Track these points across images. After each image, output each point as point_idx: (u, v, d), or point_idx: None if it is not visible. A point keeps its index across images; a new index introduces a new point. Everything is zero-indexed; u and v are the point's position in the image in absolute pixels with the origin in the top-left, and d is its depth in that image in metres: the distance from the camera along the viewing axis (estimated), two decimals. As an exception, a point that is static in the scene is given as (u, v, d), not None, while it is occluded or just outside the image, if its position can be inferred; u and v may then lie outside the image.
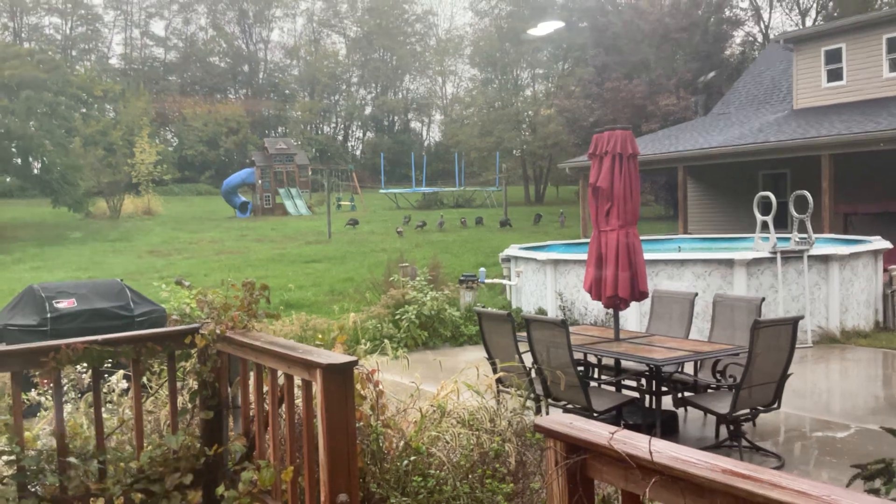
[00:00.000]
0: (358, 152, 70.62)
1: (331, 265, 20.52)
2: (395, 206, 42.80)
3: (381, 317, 11.27)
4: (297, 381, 3.51)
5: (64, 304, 7.62)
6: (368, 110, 72.06)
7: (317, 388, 3.09)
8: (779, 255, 10.73)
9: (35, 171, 34.48)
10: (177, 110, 63.17)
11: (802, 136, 17.16)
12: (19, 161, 37.18)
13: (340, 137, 71.84)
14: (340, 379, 3.03)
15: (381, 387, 3.47)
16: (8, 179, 39.11)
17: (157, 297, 9.82)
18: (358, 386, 3.36)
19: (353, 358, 3.02)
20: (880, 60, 18.65)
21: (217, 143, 61.36)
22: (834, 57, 19.63)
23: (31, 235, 29.90)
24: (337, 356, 3.08)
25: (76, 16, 68.22)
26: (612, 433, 1.97)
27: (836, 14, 40.08)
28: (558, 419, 2.12)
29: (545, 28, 36.57)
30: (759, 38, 44.63)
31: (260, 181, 40.76)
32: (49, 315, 7.53)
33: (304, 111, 67.71)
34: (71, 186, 32.95)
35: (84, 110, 42.37)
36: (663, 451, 1.81)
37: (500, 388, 6.08)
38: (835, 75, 19.69)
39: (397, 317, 11.25)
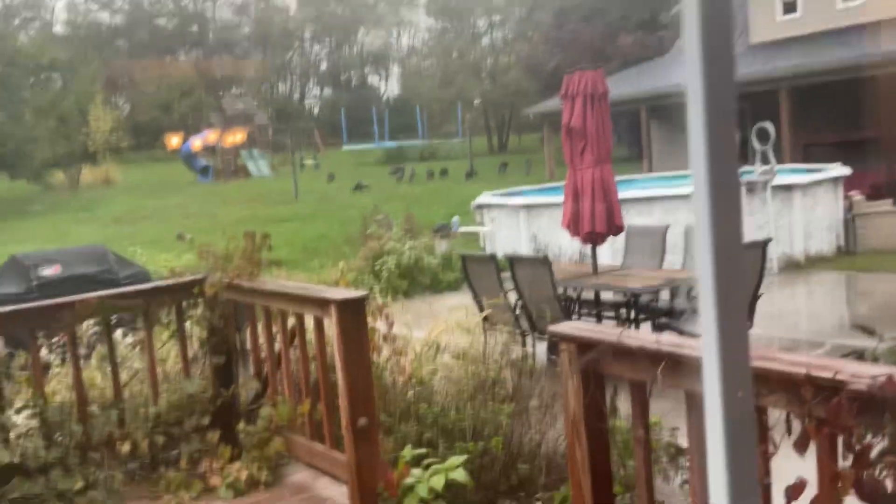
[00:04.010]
0: (316, 110, 69.78)
1: (302, 224, 20.55)
2: (359, 162, 42.62)
3: (361, 269, 11.44)
4: (307, 320, 3.71)
5: (49, 272, 7.66)
6: (324, 66, 71.07)
7: (331, 323, 3.29)
8: (743, 186, 11.06)
9: (-12, 146, 33.64)
10: (127, 75, 61.63)
11: (760, 69, 17.45)
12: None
13: (297, 95, 70.87)
14: (354, 312, 3.23)
15: (391, 319, 3.69)
16: (-40, 156, 38.07)
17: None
18: (369, 319, 3.56)
19: (365, 293, 3.22)
20: (833, -9, 18.89)
21: (171, 108, 60.11)
22: (788, -11, 19.88)
23: (-10, 211, 29.33)
24: (350, 292, 3.28)
25: (15, -18, 65.79)
26: (621, 332, 2.20)
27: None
28: (571, 325, 2.35)
29: None
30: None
31: (220, 143, 40.18)
32: (35, 283, 7.57)
33: (257, 70, 66.52)
34: (27, 158, 32.28)
35: (32, 80, 41.20)
36: (668, 340, 2.05)
37: (488, 325, 6.33)
38: (790, 8, 19.95)
39: (377, 268, 11.43)
